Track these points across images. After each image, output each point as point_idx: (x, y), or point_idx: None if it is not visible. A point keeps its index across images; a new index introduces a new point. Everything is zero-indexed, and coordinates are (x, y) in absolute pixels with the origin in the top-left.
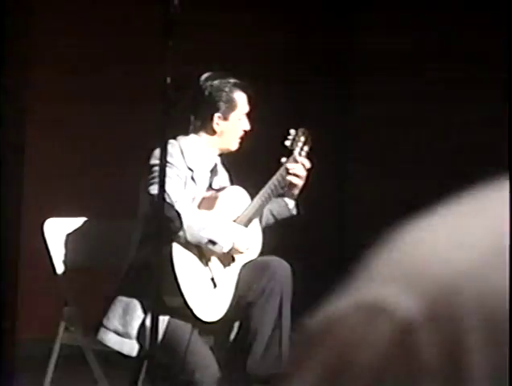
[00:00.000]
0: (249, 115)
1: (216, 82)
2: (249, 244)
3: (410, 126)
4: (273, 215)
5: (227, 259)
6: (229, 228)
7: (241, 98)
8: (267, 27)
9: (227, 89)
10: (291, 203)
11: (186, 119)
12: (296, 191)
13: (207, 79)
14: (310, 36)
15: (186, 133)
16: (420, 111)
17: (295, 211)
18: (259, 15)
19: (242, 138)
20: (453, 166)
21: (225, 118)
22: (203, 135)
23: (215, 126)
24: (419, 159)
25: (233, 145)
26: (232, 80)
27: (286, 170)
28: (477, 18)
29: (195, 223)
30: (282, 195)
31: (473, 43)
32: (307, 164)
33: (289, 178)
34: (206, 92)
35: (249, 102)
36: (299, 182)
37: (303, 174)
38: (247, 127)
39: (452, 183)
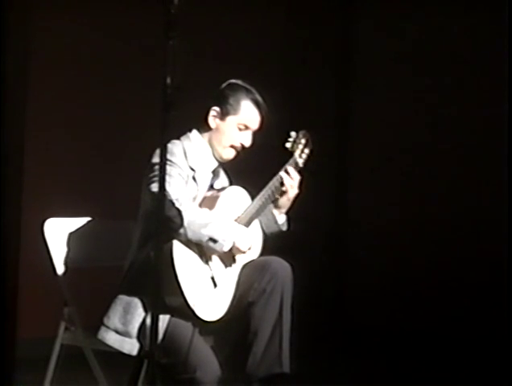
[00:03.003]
0: (255, 134)
1: (237, 84)
2: (250, 243)
3: (411, 129)
4: (262, 230)
5: (228, 258)
6: (231, 227)
7: (248, 109)
8: (267, 27)
9: (240, 94)
10: (281, 218)
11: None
12: (287, 203)
13: (237, 80)
14: (310, 36)
15: (191, 128)
16: (421, 115)
17: (284, 227)
18: (259, 16)
19: (238, 151)
20: (454, 166)
21: (222, 118)
22: (203, 129)
23: (210, 120)
24: (420, 163)
25: (225, 152)
26: (251, 92)
27: (287, 172)
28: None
29: (196, 221)
30: (273, 202)
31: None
32: (296, 176)
33: (286, 181)
34: (222, 87)
35: (261, 123)
36: (290, 191)
37: (294, 183)
38: (246, 142)
39: (452, 183)
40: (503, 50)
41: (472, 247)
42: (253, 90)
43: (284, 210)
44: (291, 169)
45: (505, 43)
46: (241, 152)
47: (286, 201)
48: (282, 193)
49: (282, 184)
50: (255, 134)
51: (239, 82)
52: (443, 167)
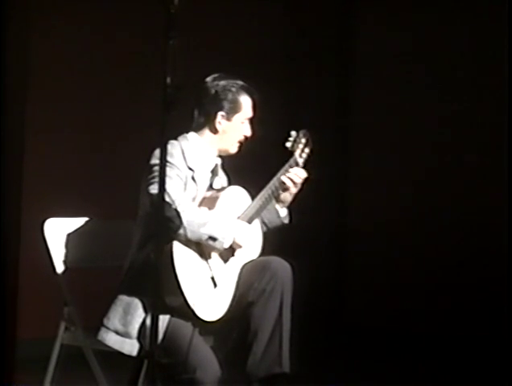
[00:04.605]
0: (251, 121)
1: (223, 82)
2: (250, 238)
3: (411, 129)
4: (264, 223)
5: (228, 258)
6: (229, 224)
7: (246, 102)
8: (267, 28)
9: (233, 90)
10: (283, 212)
11: (188, 117)
12: (289, 197)
13: (215, 78)
14: (310, 36)
15: (187, 131)
16: (422, 115)
17: (286, 220)
18: (259, 16)
19: (242, 143)
20: (454, 166)
21: (228, 119)
22: (205, 133)
23: (217, 125)
24: (420, 163)
25: (232, 148)
26: (239, 83)
27: (287, 171)
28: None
29: (195, 221)
30: (276, 198)
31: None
32: (303, 174)
33: (284, 179)
34: (212, 91)
35: (254, 108)
36: (293, 189)
37: (298, 181)
38: (248, 133)
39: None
40: (503, 50)
41: (473, 248)
42: (238, 79)
43: (286, 204)
44: (296, 168)
45: (506, 43)
46: (244, 143)
47: (288, 196)
48: (285, 189)
49: (284, 183)
50: (252, 122)
51: (225, 78)
52: (444, 167)
